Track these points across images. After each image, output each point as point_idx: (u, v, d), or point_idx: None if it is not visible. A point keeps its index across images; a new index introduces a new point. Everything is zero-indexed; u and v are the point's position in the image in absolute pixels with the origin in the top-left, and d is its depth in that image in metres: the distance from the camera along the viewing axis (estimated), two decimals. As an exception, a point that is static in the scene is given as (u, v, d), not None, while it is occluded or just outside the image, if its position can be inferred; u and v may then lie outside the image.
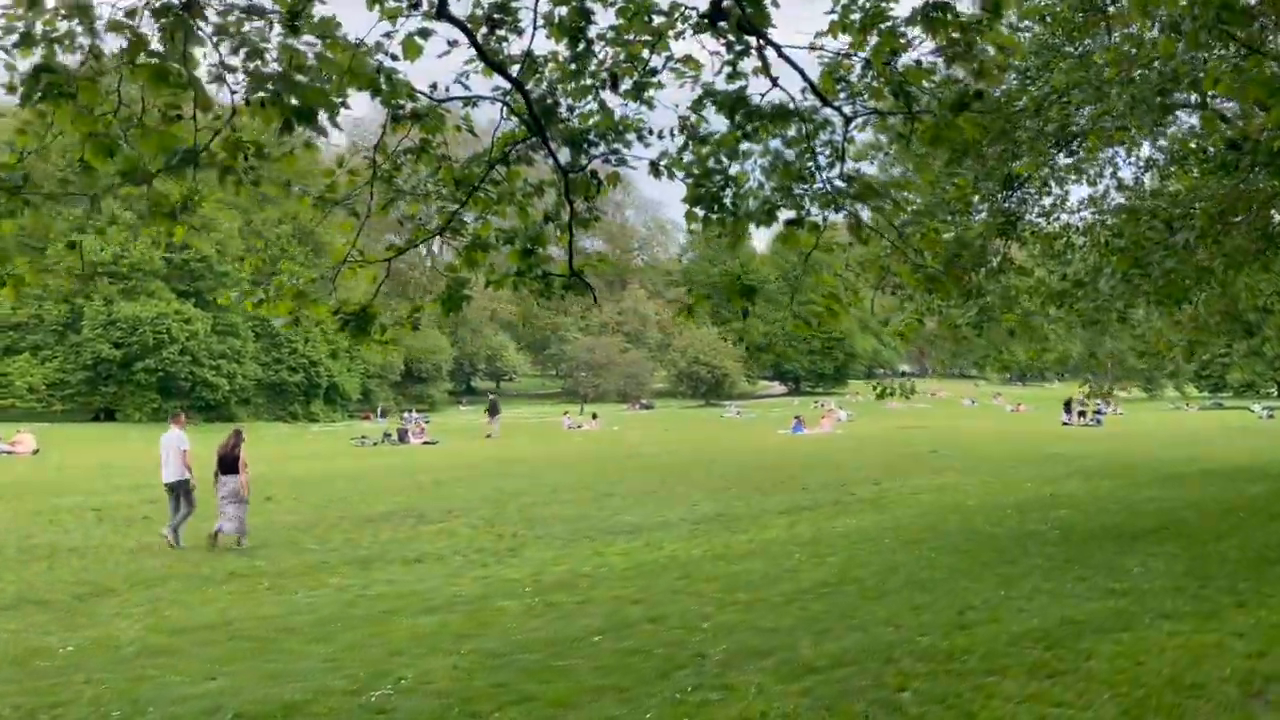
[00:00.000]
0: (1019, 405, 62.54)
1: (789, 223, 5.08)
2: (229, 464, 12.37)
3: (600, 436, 36.38)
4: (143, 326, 44.59)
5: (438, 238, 5.36)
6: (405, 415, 55.71)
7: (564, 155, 5.60)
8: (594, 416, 44.70)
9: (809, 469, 21.75)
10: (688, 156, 5.69)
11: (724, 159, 5.64)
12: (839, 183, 6.14)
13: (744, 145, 6.20)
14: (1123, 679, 5.55)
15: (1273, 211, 15.24)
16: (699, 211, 5.09)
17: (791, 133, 6.37)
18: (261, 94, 3.36)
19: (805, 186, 5.91)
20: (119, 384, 46.11)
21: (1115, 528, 12.35)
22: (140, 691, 5.98)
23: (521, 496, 16.90)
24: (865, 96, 6.16)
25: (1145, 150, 12.21)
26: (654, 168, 5.66)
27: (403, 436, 31.78)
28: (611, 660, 6.45)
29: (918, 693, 5.48)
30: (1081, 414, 44.48)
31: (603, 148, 5.57)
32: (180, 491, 12.34)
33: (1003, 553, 10.65)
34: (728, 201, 5.09)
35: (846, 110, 6.23)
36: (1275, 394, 73.12)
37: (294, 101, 3.39)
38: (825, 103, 5.88)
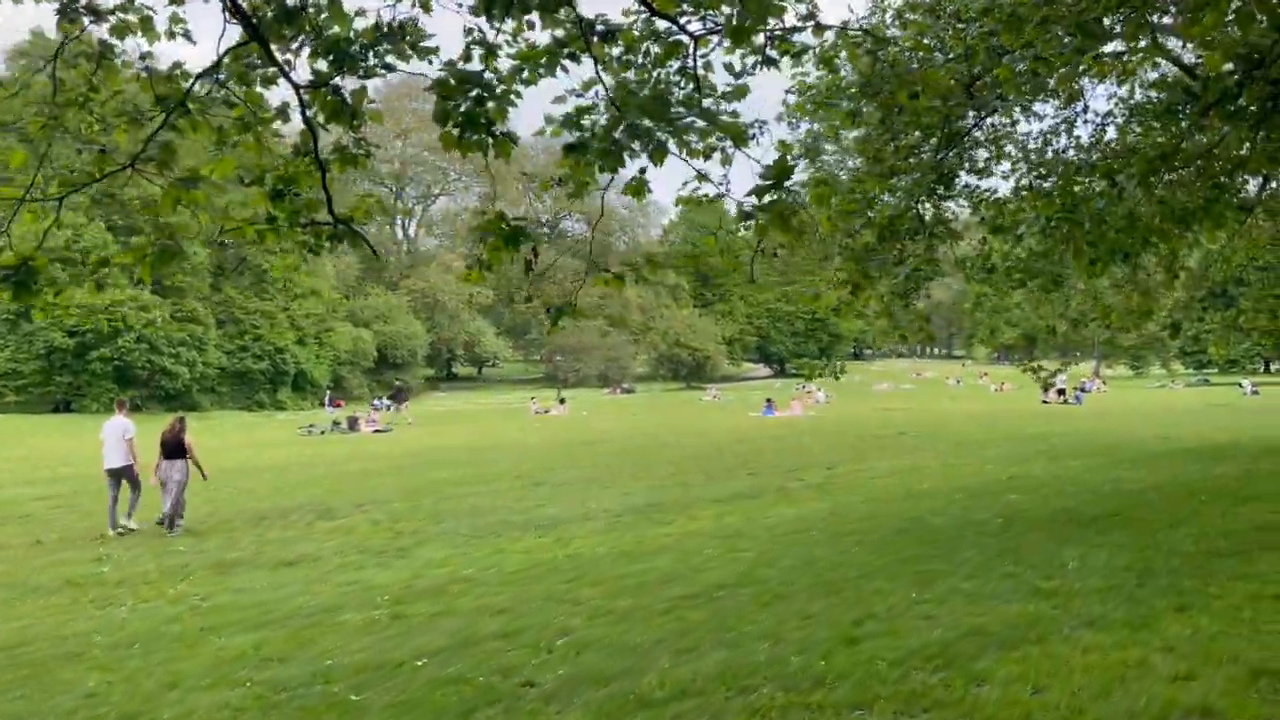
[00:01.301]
0: (1003, 385, 61.75)
1: (567, 148, 3.98)
2: (173, 449, 12.34)
3: (564, 422, 35.31)
4: (96, 314, 43.19)
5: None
6: (375, 403, 54.64)
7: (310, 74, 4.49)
8: (561, 401, 43.59)
9: (767, 453, 20.74)
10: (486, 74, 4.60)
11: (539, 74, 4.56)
12: (699, 121, 5.12)
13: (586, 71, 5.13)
14: (1010, 714, 4.51)
15: (1249, 181, 14.22)
16: (453, 132, 3.98)
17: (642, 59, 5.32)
18: None
19: (665, 126, 4.88)
20: (74, 374, 44.79)
21: (1065, 513, 11.33)
22: None
23: (447, 487, 15.84)
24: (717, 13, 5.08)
25: (1101, 104, 11.15)
26: (442, 88, 4.56)
27: (353, 425, 30.62)
28: (419, 693, 5.39)
29: (757, 737, 4.43)
30: (1061, 392, 43.58)
31: (372, 61, 4.47)
32: (125, 477, 12.38)
33: (933, 545, 9.62)
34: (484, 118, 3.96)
35: (695, 27, 5.15)
36: (1262, 370, 72.48)
37: None
38: (651, 10, 4.79)
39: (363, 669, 5.93)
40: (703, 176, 6.04)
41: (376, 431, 30.03)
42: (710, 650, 6.04)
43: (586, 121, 4.80)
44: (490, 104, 3.92)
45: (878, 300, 10.70)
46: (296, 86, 4.19)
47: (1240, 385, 50.58)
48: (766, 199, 4.04)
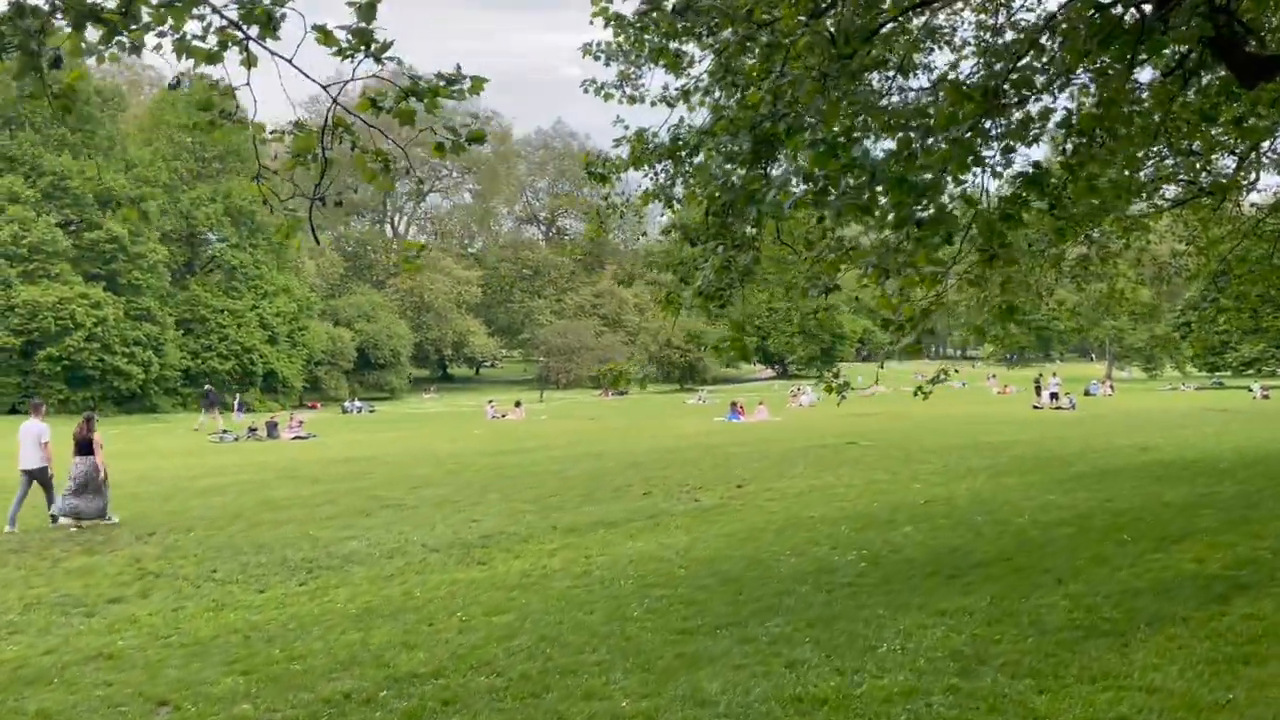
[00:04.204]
0: (1006, 387, 59.12)
1: None
2: (83, 446, 12.72)
3: (513, 428, 33.21)
4: (43, 312, 41.55)
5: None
6: (345, 405, 52.89)
7: None
8: (517, 404, 41.46)
9: (685, 466, 18.58)
10: None
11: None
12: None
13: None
14: None
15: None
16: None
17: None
18: None
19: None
20: (22, 374, 43.16)
21: (946, 555, 9.13)
22: None
23: (274, 510, 13.80)
24: None
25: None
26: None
27: (271, 431, 28.63)
28: None
29: None
30: (1054, 396, 41.10)
31: None
32: (38, 479, 12.81)
33: (746, 604, 7.48)
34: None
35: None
36: (1278, 373, 69.06)
37: None
38: None
39: None
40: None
41: (296, 438, 28.04)
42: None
43: None
44: None
45: (695, 296, 8.52)
46: None
47: (1250, 389, 47.76)
48: None
